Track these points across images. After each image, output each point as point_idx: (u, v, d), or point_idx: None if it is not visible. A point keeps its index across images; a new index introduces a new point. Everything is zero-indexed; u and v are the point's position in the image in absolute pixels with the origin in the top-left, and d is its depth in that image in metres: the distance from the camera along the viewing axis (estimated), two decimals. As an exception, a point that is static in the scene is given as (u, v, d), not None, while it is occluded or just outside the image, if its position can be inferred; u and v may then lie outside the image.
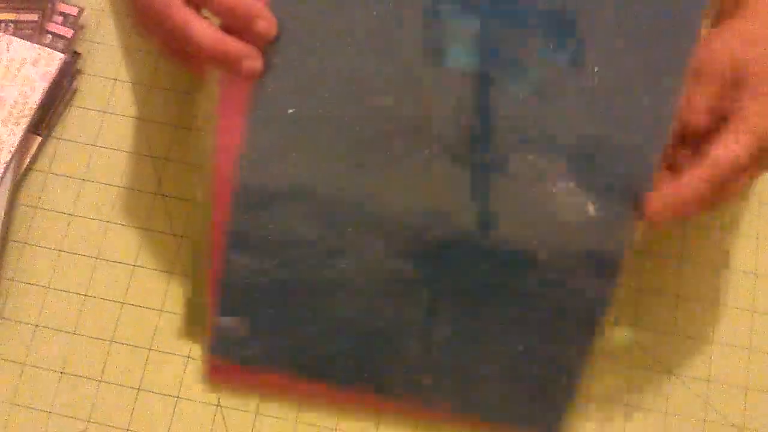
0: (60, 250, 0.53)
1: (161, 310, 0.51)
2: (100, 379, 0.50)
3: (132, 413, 0.50)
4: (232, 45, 0.42)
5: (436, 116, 0.44)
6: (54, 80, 0.54)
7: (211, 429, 0.50)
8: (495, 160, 0.44)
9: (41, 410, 0.50)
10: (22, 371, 0.50)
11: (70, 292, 0.52)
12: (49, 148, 0.54)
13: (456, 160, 0.44)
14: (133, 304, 0.52)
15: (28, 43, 0.54)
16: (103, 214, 0.53)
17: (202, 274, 0.48)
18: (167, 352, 0.51)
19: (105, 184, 0.54)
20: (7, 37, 0.54)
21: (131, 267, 0.52)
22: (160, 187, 0.54)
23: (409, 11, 0.43)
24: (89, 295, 0.52)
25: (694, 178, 0.42)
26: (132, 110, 0.55)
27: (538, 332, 0.46)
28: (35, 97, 0.53)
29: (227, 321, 0.47)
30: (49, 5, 0.56)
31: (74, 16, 0.56)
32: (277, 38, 0.43)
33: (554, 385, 0.47)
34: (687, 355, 0.51)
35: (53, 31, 0.56)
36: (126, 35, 0.57)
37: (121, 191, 0.54)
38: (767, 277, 0.53)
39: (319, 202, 0.45)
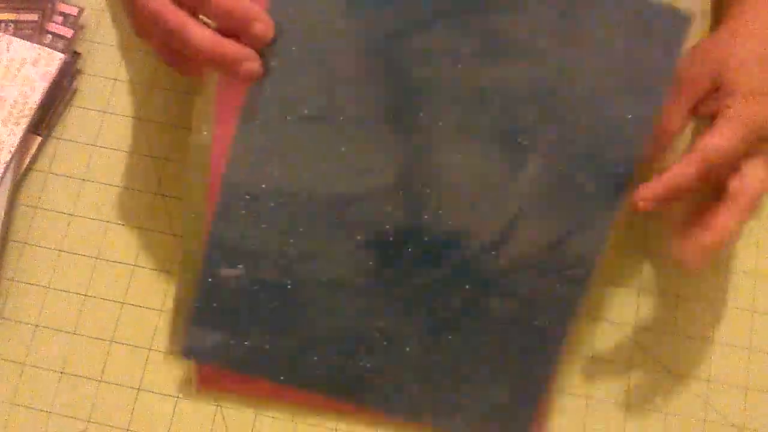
0: (60, 250, 0.53)
1: (161, 310, 0.51)
2: (100, 379, 0.50)
3: (132, 413, 0.50)
4: (231, 48, 0.42)
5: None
6: (54, 80, 0.54)
7: (211, 429, 0.50)
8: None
9: (41, 410, 0.50)
10: (22, 371, 0.50)
11: (70, 292, 0.52)
12: (49, 148, 0.54)
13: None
14: (133, 304, 0.52)
15: (28, 43, 0.54)
16: (103, 214, 0.53)
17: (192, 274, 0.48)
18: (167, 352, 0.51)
19: (105, 184, 0.54)
20: (7, 37, 0.54)
21: (131, 267, 0.52)
22: (160, 187, 0.54)
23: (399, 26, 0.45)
24: (89, 295, 0.52)
25: (680, 164, 0.43)
26: (132, 110, 0.55)
27: (506, 345, 0.47)
28: (35, 97, 0.53)
29: (202, 323, 0.47)
30: (49, 5, 0.56)
31: (74, 16, 0.56)
32: (273, 41, 0.43)
33: (525, 395, 0.48)
34: (687, 355, 0.51)
35: (53, 31, 0.56)
36: (126, 35, 0.57)
37: (121, 191, 0.54)
38: (767, 278, 0.53)
39: (295, 203, 0.45)
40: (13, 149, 0.52)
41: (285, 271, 0.46)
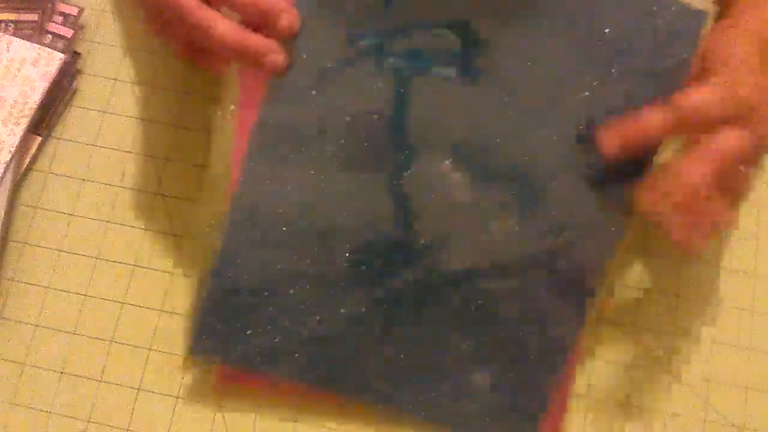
0: (60, 250, 0.52)
1: (161, 310, 0.51)
2: (100, 379, 0.50)
3: (132, 413, 0.50)
4: (256, 40, 0.43)
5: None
6: (54, 80, 0.54)
7: (211, 429, 0.49)
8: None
9: (41, 410, 0.50)
10: (22, 371, 0.50)
11: (70, 292, 0.52)
12: (49, 148, 0.54)
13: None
14: (133, 304, 0.52)
15: (28, 43, 0.54)
16: (103, 214, 0.53)
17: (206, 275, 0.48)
18: (167, 352, 0.51)
19: (105, 184, 0.54)
20: (7, 37, 0.54)
21: (131, 267, 0.52)
22: (160, 187, 0.54)
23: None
24: (89, 295, 0.52)
25: (651, 111, 0.43)
26: (132, 110, 0.55)
27: (513, 347, 0.48)
28: (35, 97, 0.53)
29: (210, 321, 0.48)
30: (49, 5, 0.56)
31: (74, 16, 0.56)
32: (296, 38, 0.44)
33: (532, 397, 0.48)
34: (687, 355, 0.51)
35: (53, 31, 0.56)
36: (126, 35, 0.57)
37: (121, 191, 0.54)
38: (767, 277, 0.53)
39: (294, 223, 0.46)
40: (13, 149, 0.52)
41: (285, 279, 0.47)
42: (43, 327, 0.51)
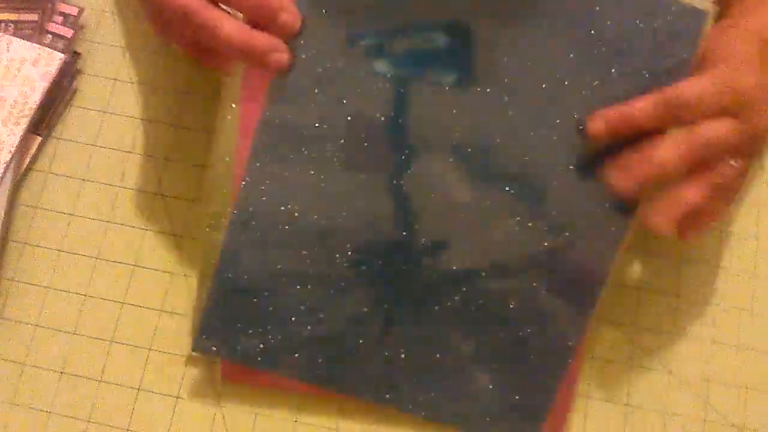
0: (60, 250, 0.52)
1: (161, 310, 0.51)
2: (100, 379, 0.50)
3: (132, 413, 0.50)
4: (260, 39, 0.43)
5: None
6: (54, 80, 0.54)
7: (211, 429, 0.49)
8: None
9: (41, 410, 0.50)
10: (22, 371, 0.50)
11: (70, 292, 0.52)
12: (49, 148, 0.54)
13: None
14: (133, 304, 0.52)
15: (28, 43, 0.54)
16: (103, 214, 0.53)
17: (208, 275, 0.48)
18: (167, 352, 0.51)
19: (105, 184, 0.54)
20: (7, 37, 0.54)
21: (131, 267, 0.52)
22: (160, 187, 0.54)
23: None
24: (89, 295, 0.52)
25: (638, 99, 0.43)
26: (132, 110, 0.55)
27: (516, 346, 0.48)
28: (35, 97, 0.53)
29: (212, 320, 0.48)
30: (49, 5, 0.56)
31: (74, 16, 0.56)
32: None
33: (535, 396, 0.48)
34: (687, 355, 0.51)
35: (53, 31, 0.56)
36: (126, 35, 0.57)
37: (121, 191, 0.54)
38: (767, 278, 0.53)
39: (297, 224, 0.46)
40: (13, 149, 0.52)
41: (286, 278, 0.47)
42: (43, 327, 0.51)
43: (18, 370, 0.50)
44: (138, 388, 0.50)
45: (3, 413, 0.49)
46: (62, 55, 0.54)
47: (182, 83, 0.55)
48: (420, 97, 0.45)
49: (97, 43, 0.57)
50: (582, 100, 0.45)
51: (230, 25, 0.43)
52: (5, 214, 0.52)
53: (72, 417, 0.50)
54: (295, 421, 0.50)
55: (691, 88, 0.43)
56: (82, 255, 0.52)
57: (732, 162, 0.43)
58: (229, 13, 0.44)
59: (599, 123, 0.43)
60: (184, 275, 0.52)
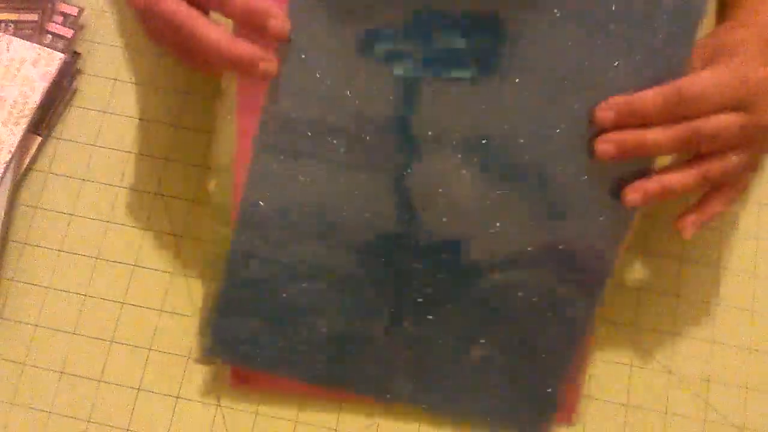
0: (60, 250, 0.52)
1: (161, 310, 0.51)
2: (100, 379, 0.50)
3: (132, 413, 0.50)
4: (247, 48, 0.43)
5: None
6: (54, 80, 0.54)
7: (211, 429, 0.50)
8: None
9: (41, 410, 0.50)
10: (22, 371, 0.50)
11: (70, 292, 0.52)
12: (49, 148, 0.54)
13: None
14: (133, 304, 0.52)
15: (28, 43, 0.54)
16: (103, 214, 0.53)
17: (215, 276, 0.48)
18: (167, 352, 0.51)
19: (105, 184, 0.54)
20: (7, 37, 0.54)
21: (131, 267, 0.52)
22: (160, 187, 0.54)
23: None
24: (89, 295, 0.52)
25: (649, 90, 0.43)
26: (132, 110, 0.55)
27: (525, 339, 0.48)
28: (35, 97, 0.53)
29: (224, 323, 0.48)
30: (49, 5, 0.56)
31: (74, 16, 0.56)
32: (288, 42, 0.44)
33: (544, 387, 0.48)
34: (687, 355, 0.51)
35: (53, 31, 0.56)
36: (126, 35, 0.57)
37: (121, 191, 0.54)
38: (767, 278, 0.53)
39: (302, 221, 0.46)
40: (13, 149, 0.52)
41: (294, 277, 0.47)
42: (43, 327, 0.51)
43: (18, 370, 0.50)
44: (138, 388, 0.50)
45: (3, 413, 0.49)
46: (62, 55, 0.54)
47: (182, 83, 0.55)
48: (424, 93, 0.45)
49: (97, 43, 0.57)
50: (589, 95, 0.44)
51: (217, 35, 0.42)
52: (5, 214, 0.52)
53: (72, 417, 0.50)
54: (295, 421, 0.50)
55: (707, 79, 0.43)
56: (82, 255, 0.52)
57: (733, 156, 0.43)
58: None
59: (608, 112, 0.43)
60: (184, 275, 0.52)
